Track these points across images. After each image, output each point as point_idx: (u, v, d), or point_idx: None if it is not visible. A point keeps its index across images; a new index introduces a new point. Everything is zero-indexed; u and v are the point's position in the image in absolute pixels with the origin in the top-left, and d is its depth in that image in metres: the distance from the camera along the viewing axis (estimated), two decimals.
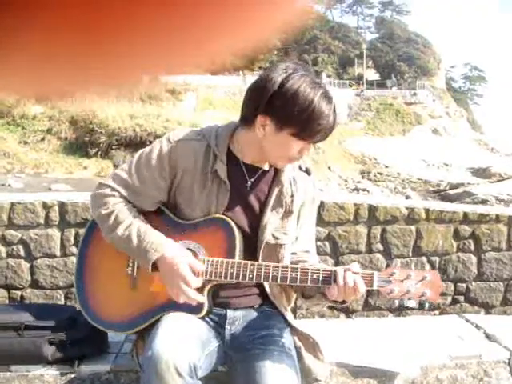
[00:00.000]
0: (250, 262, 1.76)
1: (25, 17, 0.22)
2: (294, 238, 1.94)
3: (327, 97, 1.70)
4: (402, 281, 1.70)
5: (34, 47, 0.23)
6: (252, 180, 1.88)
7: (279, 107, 1.67)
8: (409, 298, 1.69)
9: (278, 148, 1.76)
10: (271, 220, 1.86)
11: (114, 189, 1.83)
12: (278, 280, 1.74)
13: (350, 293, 1.66)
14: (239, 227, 1.83)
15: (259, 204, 1.89)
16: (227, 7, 0.23)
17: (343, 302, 1.74)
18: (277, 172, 1.90)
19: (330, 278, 1.70)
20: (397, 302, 1.71)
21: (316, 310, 1.93)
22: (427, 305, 1.71)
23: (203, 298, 1.76)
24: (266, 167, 1.91)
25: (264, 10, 0.24)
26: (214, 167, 1.82)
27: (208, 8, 0.23)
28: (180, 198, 1.86)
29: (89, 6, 0.22)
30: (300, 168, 1.97)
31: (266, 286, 1.90)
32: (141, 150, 1.91)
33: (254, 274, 1.74)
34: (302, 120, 1.67)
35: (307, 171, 1.98)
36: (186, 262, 1.73)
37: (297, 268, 1.74)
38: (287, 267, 1.75)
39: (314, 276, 1.72)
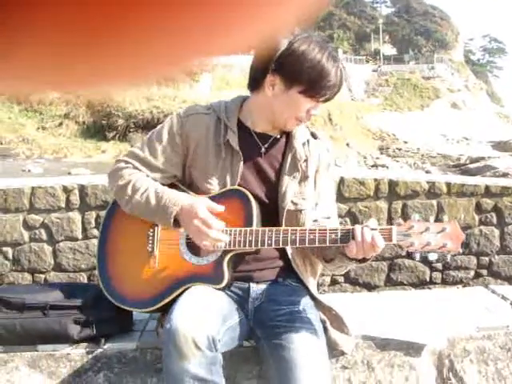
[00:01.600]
0: (267, 228, 1.76)
1: (19, 16, 0.21)
2: (314, 203, 1.93)
3: (333, 56, 1.76)
4: (421, 233, 1.68)
5: (26, 47, 0.23)
6: (265, 146, 1.90)
7: (288, 66, 1.74)
8: (430, 251, 1.68)
9: (287, 107, 1.80)
10: (289, 186, 1.87)
11: (127, 162, 1.89)
12: (297, 243, 1.74)
13: (369, 248, 1.65)
14: (256, 196, 1.84)
15: (274, 172, 1.90)
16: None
17: (364, 259, 1.73)
18: (288, 138, 1.92)
19: (349, 236, 1.69)
20: (418, 256, 1.70)
21: (340, 272, 1.91)
22: (449, 257, 1.70)
23: (227, 237, 1.74)
24: (277, 135, 1.92)
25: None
26: (226, 137, 1.85)
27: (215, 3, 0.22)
28: (195, 171, 1.88)
29: (88, 4, 0.21)
30: (312, 135, 1.98)
31: (289, 254, 1.90)
32: (153, 129, 1.97)
33: (273, 240, 1.74)
34: (310, 78, 1.73)
35: (313, 135, 1.98)
36: (204, 205, 1.73)
37: (314, 229, 1.74)
38: (305, 230, 1.75)
39: (333, 236, 1.71)
